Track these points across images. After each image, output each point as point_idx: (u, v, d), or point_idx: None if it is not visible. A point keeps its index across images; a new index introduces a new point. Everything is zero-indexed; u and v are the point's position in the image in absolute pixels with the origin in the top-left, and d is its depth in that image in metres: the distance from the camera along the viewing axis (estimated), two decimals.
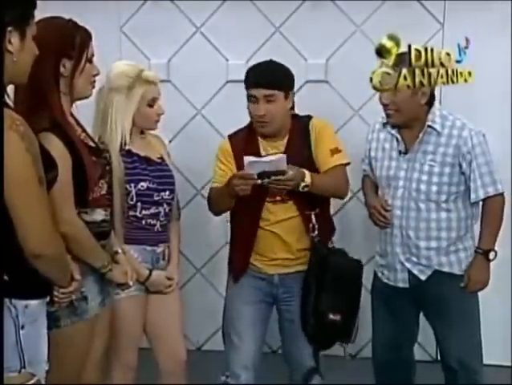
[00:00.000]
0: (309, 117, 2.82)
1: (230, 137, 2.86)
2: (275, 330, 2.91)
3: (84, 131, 2.35)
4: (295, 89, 3.72)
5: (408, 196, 2.75)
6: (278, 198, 2.71)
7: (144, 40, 3.87)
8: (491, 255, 2.77)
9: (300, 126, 2.77)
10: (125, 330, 2.66)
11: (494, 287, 3.62)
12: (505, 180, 3.63)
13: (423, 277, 2.77)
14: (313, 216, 2.70)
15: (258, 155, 2.68)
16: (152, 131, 2.79)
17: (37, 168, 1.70)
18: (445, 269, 2.76)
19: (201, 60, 3.83)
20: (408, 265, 2.77)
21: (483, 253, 2.76)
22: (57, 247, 1.81)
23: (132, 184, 2.62)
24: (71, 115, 2.31)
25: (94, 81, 2.32)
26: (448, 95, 3.65)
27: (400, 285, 2.81)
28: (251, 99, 2.70)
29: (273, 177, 2.50)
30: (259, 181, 2.51)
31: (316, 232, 2.69)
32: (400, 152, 2.78)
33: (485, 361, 3.72)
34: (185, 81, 3.89)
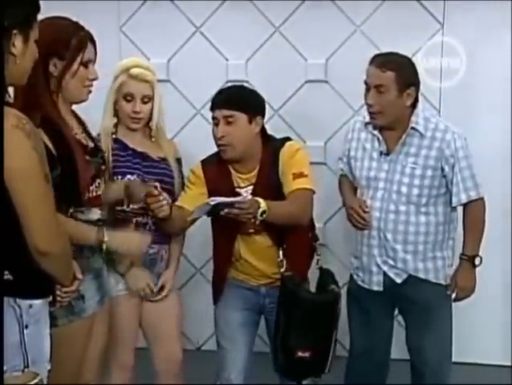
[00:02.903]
0: (283, 141, 2.70)
1: (203, 163, 2.74)
2: None
3: (85, 131, 2.34)
4: (295, 89, 3.79)
5: (388, 197, 2.71)
6: (251, 230, 2.65)
7: (143, 40, 3.86)
8: (476, 261, 2.72)
9: (271, 153, 2.65)
10: (120, 330, 2.65)
11: (494, 287, 3.65)
12: (505, 181, 3.67)
13: (398, 280, 2.74)
14: (280, 252, 2.63)
15: (232, 188, 2.61)
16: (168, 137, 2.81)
17: (43, 166, 1.70)
18: (420, 276, 2.73)
19: (201, 60, 3.83)
20: (384, 267, 2.74)
21: (468, 260, 2.72)
22: (63, 245, 1.81)
23: (119, 177, 2.59)
24: (74, 114, 2.31)
25: (90, 85, 2.27)
26: (448, 95, 3.67)
27: (375, 288, 2.77)
28: (214, 121, 2.63)
29: (226, 210, 2.39)
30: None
31: (284, 267, 2.62)
32: (381, 153, 2.74)
33: (485, 361, 3.75)
34: (185, 81, 3.89)
